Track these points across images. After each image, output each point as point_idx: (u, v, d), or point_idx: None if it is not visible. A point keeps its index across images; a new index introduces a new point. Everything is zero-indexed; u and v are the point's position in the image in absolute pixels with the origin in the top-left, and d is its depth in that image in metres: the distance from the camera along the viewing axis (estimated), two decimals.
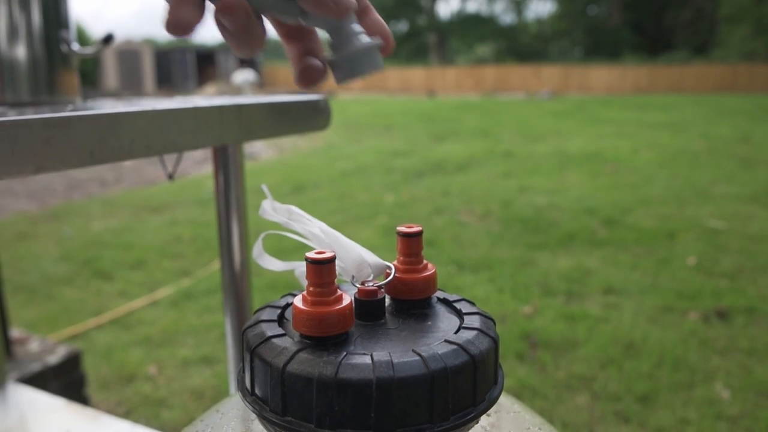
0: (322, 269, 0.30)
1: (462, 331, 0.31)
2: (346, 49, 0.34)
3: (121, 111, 0.48)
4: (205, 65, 21.31)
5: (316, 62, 0.35)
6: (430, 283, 0.36)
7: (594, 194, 4.14)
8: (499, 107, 12.39)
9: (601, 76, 18.24)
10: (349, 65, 0.34)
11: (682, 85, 17.33)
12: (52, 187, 4.93)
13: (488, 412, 0.31)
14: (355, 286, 0.34)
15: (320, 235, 0.36)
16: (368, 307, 0.33)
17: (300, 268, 0.38)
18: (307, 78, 0.34)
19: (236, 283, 0.75)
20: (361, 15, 0.35)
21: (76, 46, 0.67)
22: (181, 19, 0.28)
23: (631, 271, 2.63)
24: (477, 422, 0.31)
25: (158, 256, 2.99)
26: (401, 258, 0.36)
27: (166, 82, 20.63)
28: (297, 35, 0.35)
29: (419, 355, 0.28)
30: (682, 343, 1.95)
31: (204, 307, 2.32)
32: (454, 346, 0.29)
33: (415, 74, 20.70)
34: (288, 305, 0.35)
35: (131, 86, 19.49)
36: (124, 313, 2.29)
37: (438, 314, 0.35)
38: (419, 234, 0.36)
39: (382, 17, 0.36)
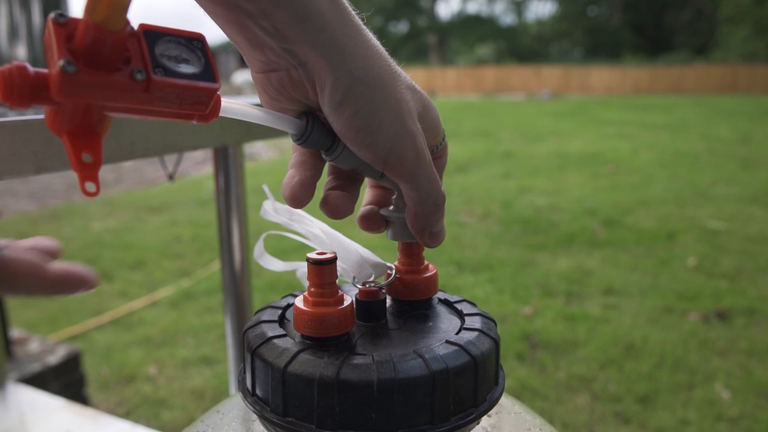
0: (323, 270, 0.30)
1: (463, 332, 0.31)
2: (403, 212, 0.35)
3: None
4: None
5: (376, 212, 0.36)
6: (432, 284, 0.36)
7: (594, 195, 4.14)
8: (499, 108, 12.39)
9: (602, 76, 18.24)
10: (403, 228, 0.34)
11: (682, 86, 17.33)
12: (53, 187, 4.93)
13: (489, 412, 0.31)
14: (357, 287, 0.34)
15: (321, 236, 0.36)
16: (369, 308, 0.33)
17: (301, 268, 0.38)
18: (366, 224, 0.36)
19: (236, 283, 0.75)
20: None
21: None
22: (294, 196, 0.32)
23: (631, 271, 2.63)
24: (478, 423, 0.31)
25: (158, 256, 2.99)
26: (402, 259, 0.36)
27: None
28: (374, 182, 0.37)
29: (420, 356, 0.28)
30: (682, 344, 1.95)
31: (204, 308, 2.32)
32: (456, 347, 0.29)
33: (416, 75, 20.68)
34: (289, 306, 0.35)
35: None
36: (124, 313, 2.28)
37: (439, 315, 0.35)
38: None
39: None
